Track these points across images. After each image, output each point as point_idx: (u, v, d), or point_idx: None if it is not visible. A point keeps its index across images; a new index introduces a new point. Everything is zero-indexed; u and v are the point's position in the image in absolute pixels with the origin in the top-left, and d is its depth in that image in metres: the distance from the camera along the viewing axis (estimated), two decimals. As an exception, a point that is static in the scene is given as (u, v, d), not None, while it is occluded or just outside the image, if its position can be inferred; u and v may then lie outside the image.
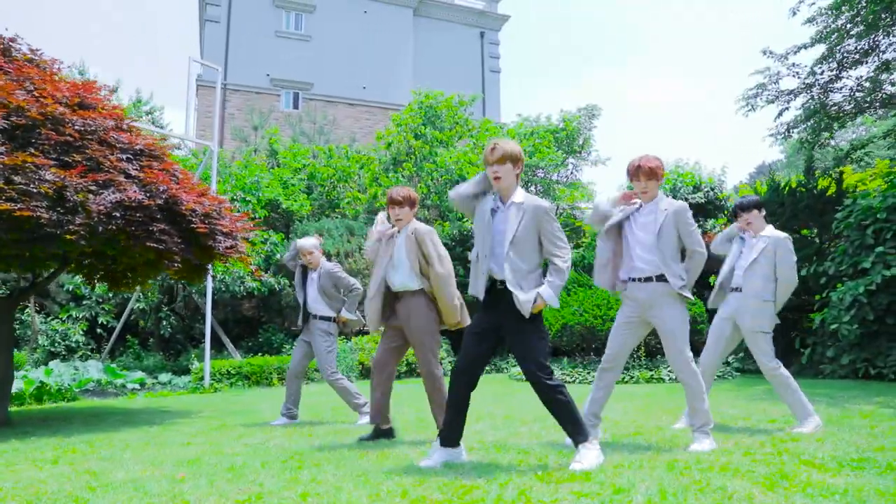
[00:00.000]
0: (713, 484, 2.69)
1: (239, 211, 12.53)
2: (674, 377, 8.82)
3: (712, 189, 14.64)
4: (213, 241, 5.85)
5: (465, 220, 13.77)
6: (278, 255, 12.73)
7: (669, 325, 3.75)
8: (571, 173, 18.32)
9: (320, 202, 15.77)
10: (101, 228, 4.98)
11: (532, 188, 17.57)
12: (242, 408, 6.87)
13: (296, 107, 21.24)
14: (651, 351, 10.31)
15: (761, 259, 4.44)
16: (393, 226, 4.26)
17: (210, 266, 9.41)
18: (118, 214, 5.03)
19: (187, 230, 5.60)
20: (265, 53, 21.12)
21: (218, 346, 12.49)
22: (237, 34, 20.86)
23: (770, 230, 4.54)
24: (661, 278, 3.75)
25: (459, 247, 13.33)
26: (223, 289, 12.06)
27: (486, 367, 12.46)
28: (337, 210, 15.55)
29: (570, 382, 9.22)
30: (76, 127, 5.18)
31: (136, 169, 5.47)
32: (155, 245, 5.26)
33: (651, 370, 9.25)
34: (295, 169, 15.62)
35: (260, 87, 20.88)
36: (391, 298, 4.23)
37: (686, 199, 15.05)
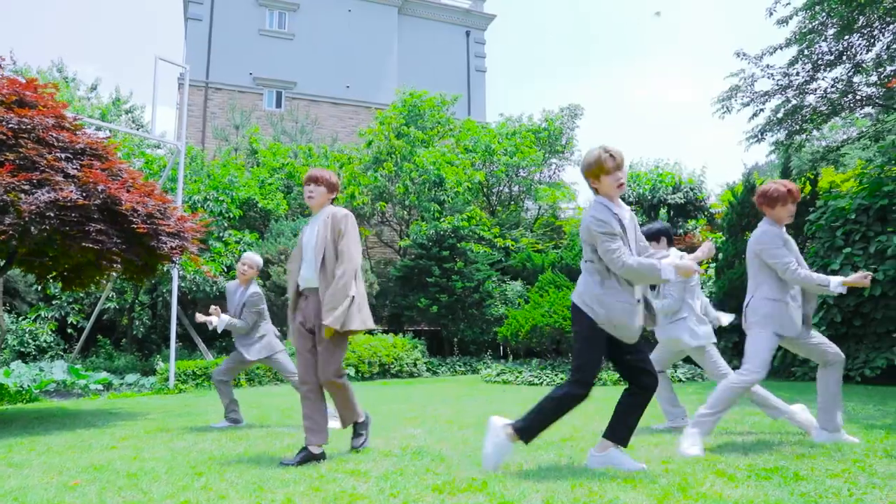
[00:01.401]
0: (606, 496, 2.62)
1: (212, 211, 12.48)
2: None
3: (692, 189, 14.60)
4: (157, 241, 5.75)
5: (441, 220, 13.68)
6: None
7: None
8: (554, 173, 18.24)
9: (300, 201, 15.68)
10: (33, 228, 4.90)
11: (514, 188, 17.51)
12: (195, 410, 6.78)
13: (279, 106, 21.10)
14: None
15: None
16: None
17: (178, 265, 9.38)
18: (52, 214, 4.94)
19: (128, 230, 5.51)
20: (248, 52, 20.97)
21: (192, 347, 12.40)
22: (220, 32, 20.72)
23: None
24: None
25: (436, 247, 13.26)
26: (195, 288, 11.96)
27: (462, 369, 12.41)
28: (316, 210, 15.45)
29: (536, 384, 9.15)
30: (10, 125, 5.09)
31: (76, 168, 5.37)
32: (91, 245, 5.17)
33: (619, 372, 9.17)
34: (274, 168, 15.52)
35: (242, 85, 20.75)
36: (297, 299, 3.84)
37: (665, 200, 15.02)
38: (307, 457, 3.56)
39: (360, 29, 22.37)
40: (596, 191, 3.30)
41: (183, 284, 11.64)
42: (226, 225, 12.83)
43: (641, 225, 4.38)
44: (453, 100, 17.17)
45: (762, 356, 3.71)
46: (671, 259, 3.28)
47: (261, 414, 6.16)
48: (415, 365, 11.80)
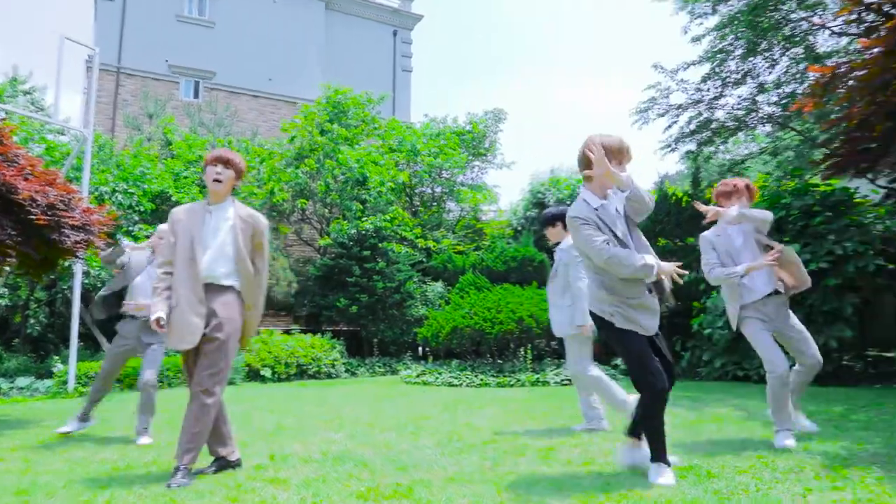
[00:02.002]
0: (532, 499, 2.64)
1: (121, 203, 11.78)
2: (560, 380, 8.96)
3: (609, 197, 15.18)
4: (59, 234, 5.35)
5: (363, 220, 13.52)
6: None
7: None
8: (477, 175, 18.43)
9: (216, 196, 15.06)
10: (-88, 217, 4.43)
11: (437, 189, 17.56)
12: (97, 415, 6.33)
13: (196, 96, 20.13)
14: (539, 354, 10.46)
15: (559, 269, 4.71)
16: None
17: (82, 260, 8.77)
18: (-65, 202, 4.49)
19: (25, 221, 5.09)
20: (164, 38, 19.88)
21: (94, 347, 11.64)
22: (134, 15, 19.55)
23: (565, 242, 4.72)
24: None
25: (357, 246, 13.09)
26: (100, 285, 11.23)
27: (382, 370, 12.29)
28: (234, 205, 14.89)
29: (456, 385, 9.18)
30: None
31: (-35, 152, 4.91)
32: (-19, 237, 4.74)
33: (537, 373, 9.35)
34: (189, 161, 14.83)
35: (157, 73, 19.66)
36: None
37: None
38: (224, 465, 3.41)
39: (285, 21, 21.75)
40: (590, 177, 3.09)
41: (86, 281, 10.91)
42: (136, 219, 12.14)
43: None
44: (380, 99, 17.01)
45: (762, 348, 3.86)
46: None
47: (170, 419, 5.84)
48: (333, 366, 11.58)
